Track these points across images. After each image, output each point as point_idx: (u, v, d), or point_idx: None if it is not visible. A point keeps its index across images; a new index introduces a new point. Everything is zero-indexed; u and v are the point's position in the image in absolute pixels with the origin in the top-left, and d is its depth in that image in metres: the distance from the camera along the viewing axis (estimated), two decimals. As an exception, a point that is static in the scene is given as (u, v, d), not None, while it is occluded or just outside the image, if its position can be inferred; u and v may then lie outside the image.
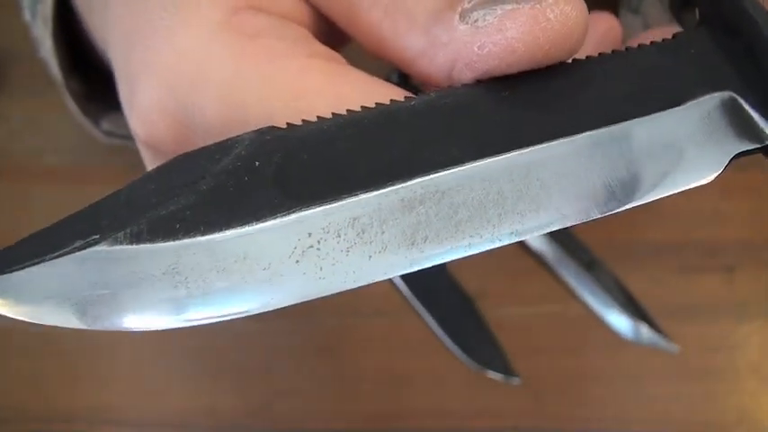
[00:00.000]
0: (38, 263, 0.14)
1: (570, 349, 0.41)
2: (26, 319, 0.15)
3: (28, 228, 0.49)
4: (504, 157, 0.16)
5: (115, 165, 0.43)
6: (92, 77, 0.32)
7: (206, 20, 0.18)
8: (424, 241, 0.15)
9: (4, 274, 0.15)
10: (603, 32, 0.25)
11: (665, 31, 0.22)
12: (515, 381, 0.40)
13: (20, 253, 0.15)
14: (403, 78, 0.43)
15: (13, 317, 0.15)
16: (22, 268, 0.15)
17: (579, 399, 0.41)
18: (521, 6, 0.16)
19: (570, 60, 0.17)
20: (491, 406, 0.40)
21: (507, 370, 0.40)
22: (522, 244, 0.41)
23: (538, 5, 0.16)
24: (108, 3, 0.21)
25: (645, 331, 0.41)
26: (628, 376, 0.41)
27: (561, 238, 0.41)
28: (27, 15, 0.32)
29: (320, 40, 0.21)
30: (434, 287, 0.41)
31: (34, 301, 0.14)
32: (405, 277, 0.40)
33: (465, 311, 0.41)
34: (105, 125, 0.34)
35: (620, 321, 0.41)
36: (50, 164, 0.43)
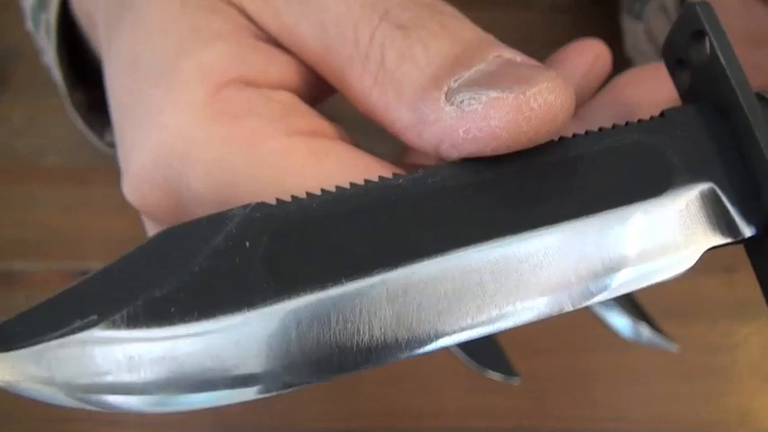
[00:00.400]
0: (38, 342, 0.15)
1: (570, 349, 0.41)
2: (22, 395, 0.15)
3: (29, 227, 0.49)
4: (485, 245, 0.16)
5: (115, 165, 0.43)
6: (96, 83, 0.33)
7: (193, 100, 0.19)
8: (407, 331, 0.15)
9: (5, 352, 0.15)
10: (592, 61, 0.25)
11: (656, 68, 0.22)
12: (515, 381, 0.40)
13: (20, 329, 0.15)
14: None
15: (10, 391, 0.15)
16: (24, 347, 0.15)
17: (579, 399, 0.41)
18: (505, 95, 0.16)
19: (557, 138, 0.18)
20: (491, 406, 0.40)
21: (507, 370, 0.40)
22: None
23: (522, 95, 0.16)
24: (109, 60, 0.22)
25: (645, 331, 0.41)
26: (628, 376, 0.41)
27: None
28: (30, 25, 0.32)
29: (315, 92, 0.21)
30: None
31: (33, 379, 0.15)
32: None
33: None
34: (109, 137, 0.34)
35: (620, 321, 0.41)
36: (51, 164, 0.43)
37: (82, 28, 0.30)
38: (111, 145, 0.35)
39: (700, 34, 0.18)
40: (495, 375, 0.40)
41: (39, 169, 0.43)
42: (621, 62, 0.42)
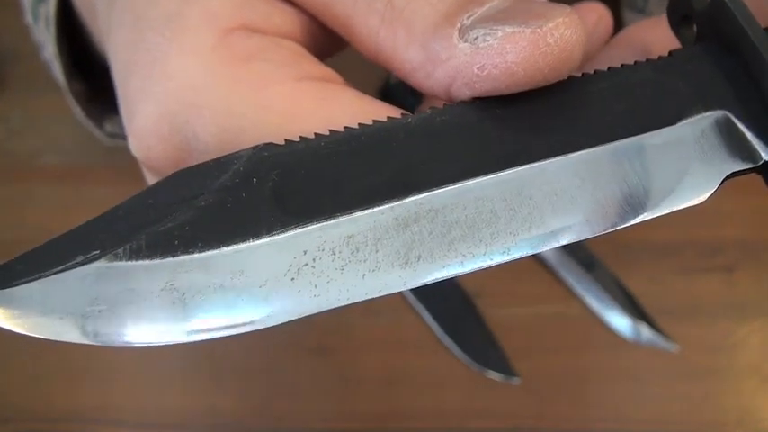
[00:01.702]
0: (40, 277, 0.15)
1: (570, 349, 0.41)
2: (27, 333, 0.15)
3: (28, 227, 0.49)
4: (497, 175, 0.16)
5: (115, 165, 0.43)
6: (95, 74, 0.32)
7: (199, 45, 0.18)
8: (418, 260, 0.15)
9: (7, 288, 0.15)
10: (593, 23, 0.25)
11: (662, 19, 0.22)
12: (515, 381, 0.40)
13: (22, 267, 0.15)
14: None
15: (15, 330, 0.15)
16: (25, 283, 0.15)
17: (579, 399, 0.41)
18: (521, 30, 0.16)
19: (567, 77, 0.18)
20: (491, 406, 0.40)
21: (507, 370, 0.40)
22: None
23: (539, 30, 0.16)
24: (110, 22, 0.21)
25: (645, 331, 0.41)
26: (628, 376, 0.41)
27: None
28: (29, 18, 0.32)
29: (319, 47, 0.21)
30: (434, 287, 0.41)
31: (36, 315, 0.15)
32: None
33: (465, 311, 0.42)
34: (108, 127, 0.34)
35: (620, 321, 0.41)
36: (50, 164, 0.43)
37: (81, 18, 0.30)
38: (112, 135, 0.35)
39: None
40: (495, 375, 0.40)
41: (37, 169, 0.43)
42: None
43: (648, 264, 0.42)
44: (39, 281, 0.15)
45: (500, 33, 0.16)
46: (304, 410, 0.40)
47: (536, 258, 0.41)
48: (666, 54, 0.18)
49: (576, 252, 0.42)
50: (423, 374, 0.41)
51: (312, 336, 0.41)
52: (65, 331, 0.15)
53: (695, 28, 0.19)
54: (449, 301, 0.41)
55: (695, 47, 0.19)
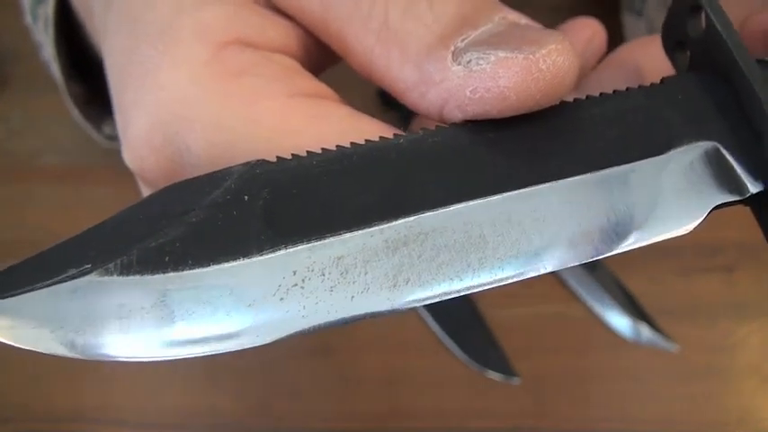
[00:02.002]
0: (30, 290, 0.15)
1: (571, 349, 0.41)
2: (17, 345, 0.15)
3: (28, 227, 0.49)
4: (487, 200, 0.16)
5: (115, 165, 0.43)
6: (94, 76, 0.33)
7: (192, 59, 0.19)
8: (406, 283, 0.15)
9: (3, 298, 0.15)
10: (587, 39, 0.25)
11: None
12: (515, 381, 0.40)
13: (12, 279, 0.15)
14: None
15: (5, 341, 0.15)
16: (15, 295, 0.14)
17: (579, 399, 0.41)
18: (514, 55, 0.16)
19: (559, 102, 0.18)
20: (491, 406, 0.40)
21: (507, 370, 0.40)
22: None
23: (531, 56, 0.16)
24: (106, 24, 0.21)
25: (645, 331, 0.41)
26: (628, 376, 0.41)
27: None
28: (28, 18, 0.32)
29: (313, 61, 0.21)
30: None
31: (26, 327, 0.15)
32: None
33: (465, 312, 0.42)
34: (107, 129, 0.34)
35: (620, 321, 0.41)
36: (50, 164, 0.43)
37: (79, 19, 0.30)
38: (110, 137, 0.35)
39: (696, 9, 0.18)
40: (495, 375, 0.40)
41: (37, 169, 0.43)
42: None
43: (648, 264, 0.42)
44: (29, 293, 0.14)
45: (493, 58, 0.16)
46: (304, 410, 0.40)
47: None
48: (659, 81, 0.18)
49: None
50: (423, 374, 0.41)
51: (312, 336, 0.41)
52: (53, 345, 0.15)
53: (689, 54, 0.19)
54: (449, 302, 0.41)
55: (687, 75, 0.19)
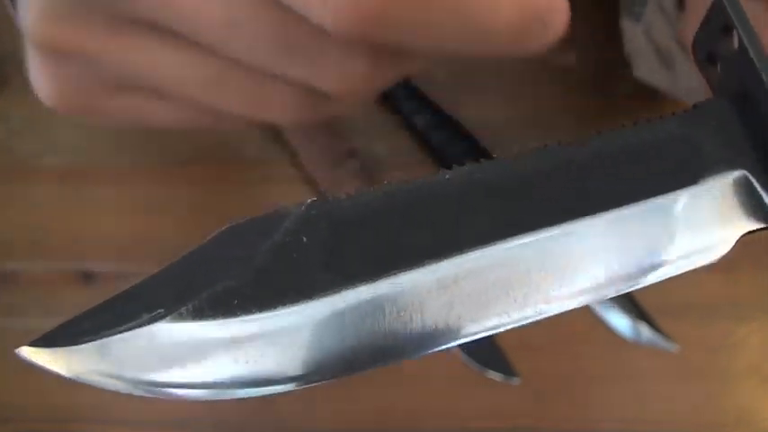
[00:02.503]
0: (109, 334, 0.16)
1: (571, 349, 0.41)
2: (98, 387, 0.16)
3: (28, 227, 0.48)
4: (531, 235, 0.17)
5: (115, 165, 0.43)
6: None
7: None
8: (458, 319, 0.16)
9: (75, 345, 0.16)
10: None
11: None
12: (515, 381, 0.40)
13: (88, 324, 0.16)
14: (403, 79, 0.43)
15: (88, 382, 0.16)
16: (92, 340, 0.16)
17: (579, 399, 0.41)
18: None
19: (596, 133, 0.18)
20: (491, 406, 0.40)
21: (507, 370, 0.40)
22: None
23: None
24: None
25: (645, 331, 0.41)
26: (628, 376, 0.41)
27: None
28: None
29: None
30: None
31: (108, 370, 0.16)
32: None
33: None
34: None
35: (620, 321, 0.41)
36: (50, 164, 0.43)
37: None
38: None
39: (728, 28, 0.18)
40: (495, 375, 0.40)
41: (38, 169, 0.43)
42: (622, 62, 0.42)
43: (648, 264, 0.42)
44: (106, 338, 0.16)
45: None
46: (304, 410, 0.40)
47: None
48: (691, 107, 0.19)
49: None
50: (423, 374, 0.41)
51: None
52: (127, 387, 0.16)
53: (719, 69, 0.20)
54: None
55: (719, 101, 0.19)
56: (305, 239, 0.16)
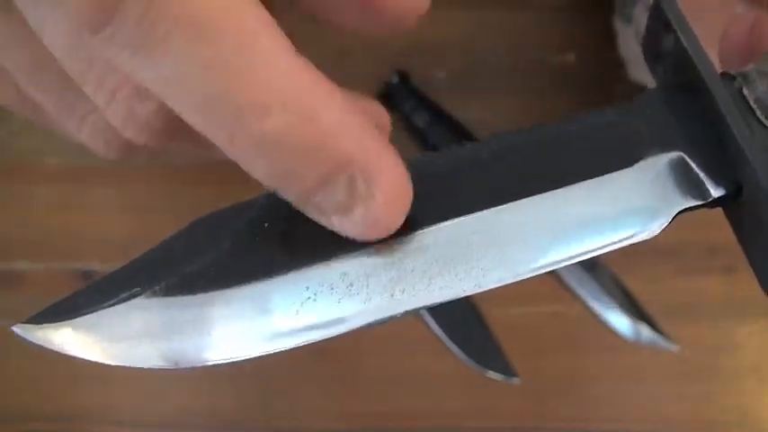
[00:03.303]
0: (92, 311, 0.18)
1: (570, 349, 0.41)
2: (82, 357, 0.18)
3: (28, 227, 0.48)
4: (469, 216, 0.18)
5: (115, 165, 0.43)
6: None
7: None
8: (402, 293, 0.18)
9: (75, 318, 0.18)
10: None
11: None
12: (515, 381, 0.40)
13: (76, 303, 0.18)
14: (403, 79, 0.43)
15: (73, 354, 0.18)
16: (80, 315, 0.18)
17: (579, 399, 0.41)
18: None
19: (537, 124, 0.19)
20: (491, 406, 0.40)
21: (507, 370, 0.40)
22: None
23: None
24: None
25: (645, 331, 0.41)
26: (628, 376, 0.41)
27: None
28: None
29: None
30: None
31: (89, 342, 0.18)
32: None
33: (465, 312, 0.42)
34: None
35: (619, 321, 0.41)
36: (50, 164, 0.43)
37: None
38: None
39: (668, 26, 0.20)
40: (495, 375, 0.40)
41: (38, 169, 0.43)
42: (621, 62, 0.42)
43: (648, 264, 0.42)
44: (92, 314, 0.18)
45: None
46: (304, 410, 0.40)
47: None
48: (633, 98, 0.20)
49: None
50: (423, 374, 0.41)
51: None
52: (105, 357, 0.18)
53: (663, 65, 0.21)
54: (449, 302, 0.41)
55: (657, 91, 0.20)
56: (266, 225, 0.18)
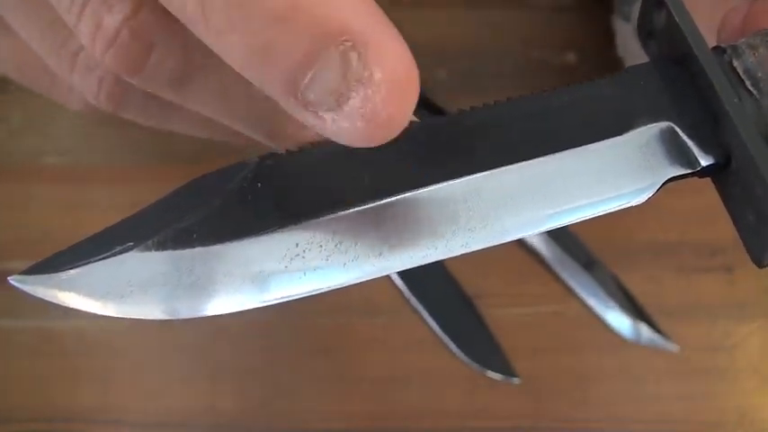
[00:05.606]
0: (87, 263, 0.18)
1: (570, 349, 0.41)
2: (73, 307, 0.18)
3: (28, 227, 0.49)
4: (460, 180, 0.19)
5: (115, 165, 0.43)
6: None
7: None
8: (390, 251, 0.18)
9: (59, 272, 0.18)
10: None
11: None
12: (515, 381, 0.40)
13: (71, 256, 0.19)
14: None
15: (67, 304, 0.18)
16: (75, 267, 0.18)
17: (579, 399, 0.41)
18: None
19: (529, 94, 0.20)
20: (491, 406, 0.40)
21: (507, 370, 0.40)
22: (521, 243, 0.41)
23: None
24: None
25: (644, 331, 0.41)
26: (628, 376, 0.41)
27: (560, 237, 0.41)
28: None
29: None
30: (434, 287, 0.41)
31: (83, 295, 0.18)
32: (404, 277, 0.40)
33: (465, 311, 0.42)
34: None
35: (619, 321, 0.41)
36: (50, 164, 0.43)
37: None
38: None
39: (660, 3, 0.20)
40: (495, 375, 0.40)
41: (38, 169, 0.43)
42: (619, 62, 0.42)
43: (648, 264, 0.42)
44: (87, 266, 0.18)
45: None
46: (304, 410, 0.40)
47: (535, 258, 0.41)
48: (625, 70, 0.21)
49: (576, 252, 0.42)
50: (423, 374, 0.41)
51: (312, 336, 0.41)
52: (101, 307, 0.18)
53: (655, 42, 0.22)
54: (449, 302, 0.41)
55: (649, 64, 0.21)
56: (259, 185, 0.19)
